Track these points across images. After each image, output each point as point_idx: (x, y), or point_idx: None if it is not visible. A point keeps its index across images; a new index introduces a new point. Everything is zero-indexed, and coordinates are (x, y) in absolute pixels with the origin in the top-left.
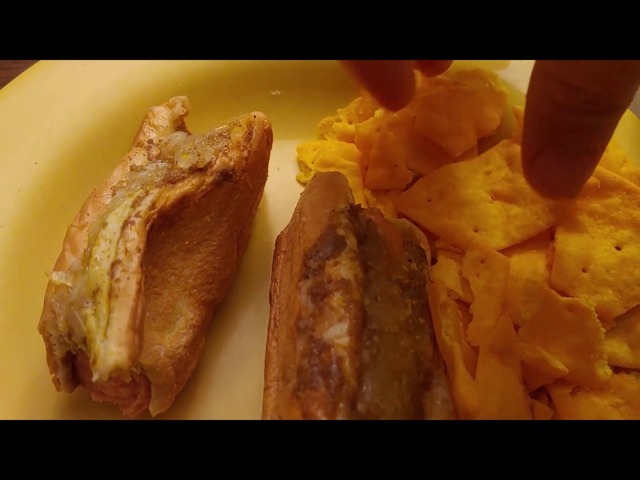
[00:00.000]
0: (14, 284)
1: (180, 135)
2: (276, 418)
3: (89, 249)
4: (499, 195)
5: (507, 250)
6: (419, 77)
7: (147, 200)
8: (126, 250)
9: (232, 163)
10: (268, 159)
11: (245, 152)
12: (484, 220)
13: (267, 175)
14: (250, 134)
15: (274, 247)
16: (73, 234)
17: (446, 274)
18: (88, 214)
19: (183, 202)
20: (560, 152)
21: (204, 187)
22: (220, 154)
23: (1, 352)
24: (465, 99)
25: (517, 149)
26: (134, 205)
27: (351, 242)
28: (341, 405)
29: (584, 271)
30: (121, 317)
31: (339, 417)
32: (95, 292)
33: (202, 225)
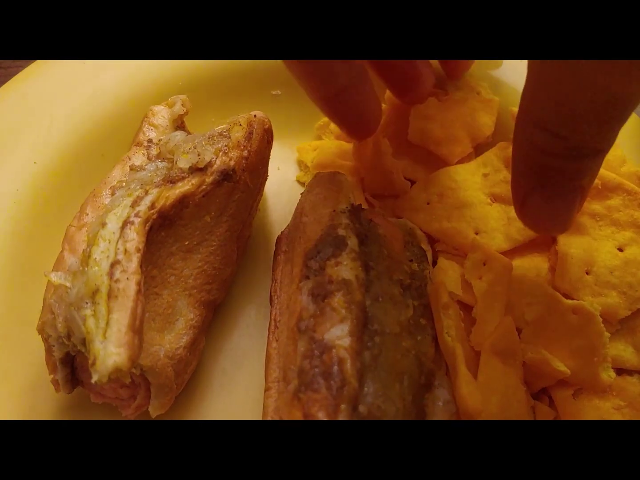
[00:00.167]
0: (13, 284)
1: (180, 134)
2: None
3: (88, 249)
4: (498, 197)
5: (509, 254)
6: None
7: (147, 200)
8: (125, 251)
9: (232, 163)
10: (268, 158)
11: (246, 151)
12: (484, 222)
13: (267, 175)
14: (251, 133)
15: (274, 248)
16: (72, 234)
17: (446, 276)
18: (87, 214)
19: (183, 202)
20: (547, 193)
21: (204, 187)
22: (221, 153)
23: (1, 353)
24: (457, 107)
25: None
26: (134, 205)
27: (352, 242)
28: (343, 406)
29: (587, 273)
30: (121, 318)
31: (341, 419)
32: (95, 293)
33: (202, 225)
